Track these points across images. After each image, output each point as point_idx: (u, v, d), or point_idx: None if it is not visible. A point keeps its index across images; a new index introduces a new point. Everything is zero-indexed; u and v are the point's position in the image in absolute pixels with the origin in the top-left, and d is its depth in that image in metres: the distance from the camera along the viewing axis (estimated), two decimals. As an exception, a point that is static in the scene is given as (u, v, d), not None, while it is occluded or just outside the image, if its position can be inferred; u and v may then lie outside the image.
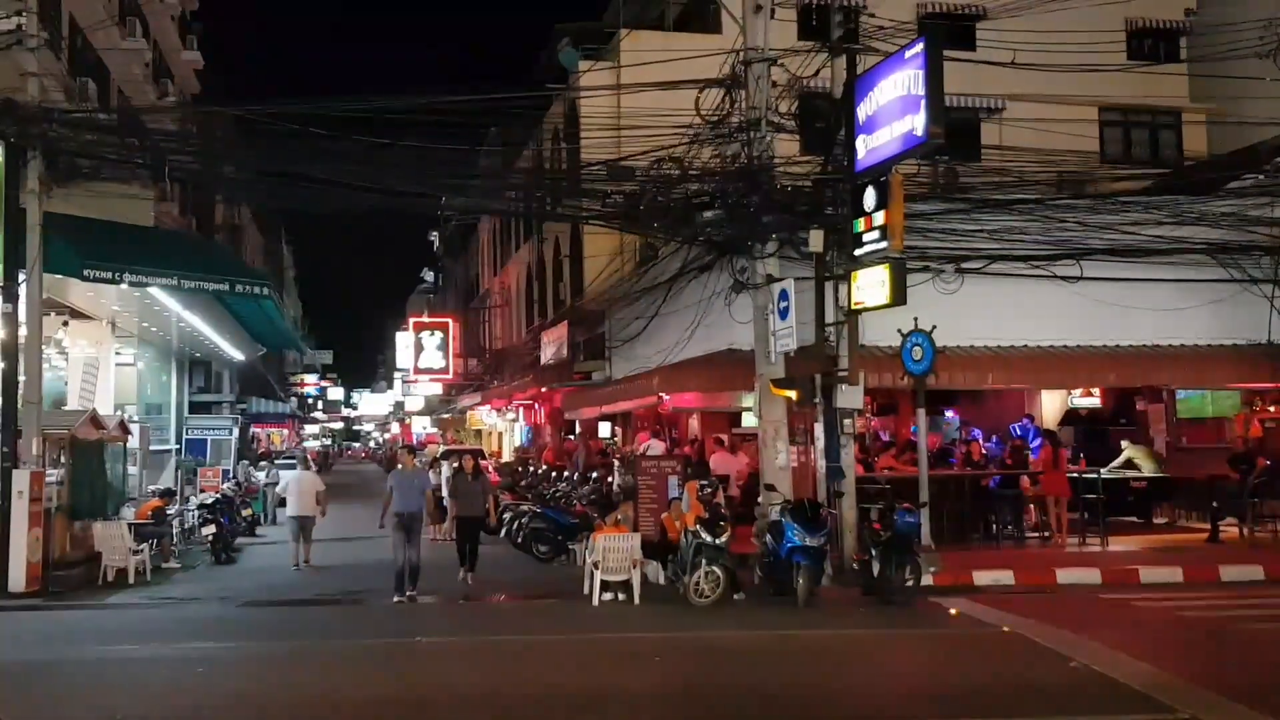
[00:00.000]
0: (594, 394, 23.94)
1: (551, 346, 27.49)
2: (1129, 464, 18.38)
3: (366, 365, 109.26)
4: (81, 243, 14.95)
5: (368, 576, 15.27)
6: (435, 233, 62.19)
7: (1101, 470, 17.24)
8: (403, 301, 79.09)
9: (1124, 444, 18.78)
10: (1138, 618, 11.58)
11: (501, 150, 30.69)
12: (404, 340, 50.42)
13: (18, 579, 13.60)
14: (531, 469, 26.21)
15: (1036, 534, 17.09)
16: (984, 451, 18.12)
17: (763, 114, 14.01)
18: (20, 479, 13.73)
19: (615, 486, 18.45)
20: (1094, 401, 21.02)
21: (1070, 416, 21.09)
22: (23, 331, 14.26)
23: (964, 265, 15.68)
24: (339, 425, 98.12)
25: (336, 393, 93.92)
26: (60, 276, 15.36)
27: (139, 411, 23.83)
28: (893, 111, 12.56)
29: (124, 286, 16.09)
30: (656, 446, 19.50)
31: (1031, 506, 17.26)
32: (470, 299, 51.43)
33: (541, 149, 29.30)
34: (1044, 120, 18.74)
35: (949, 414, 21.50)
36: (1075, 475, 16.82)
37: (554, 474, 23.26)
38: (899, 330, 14.33)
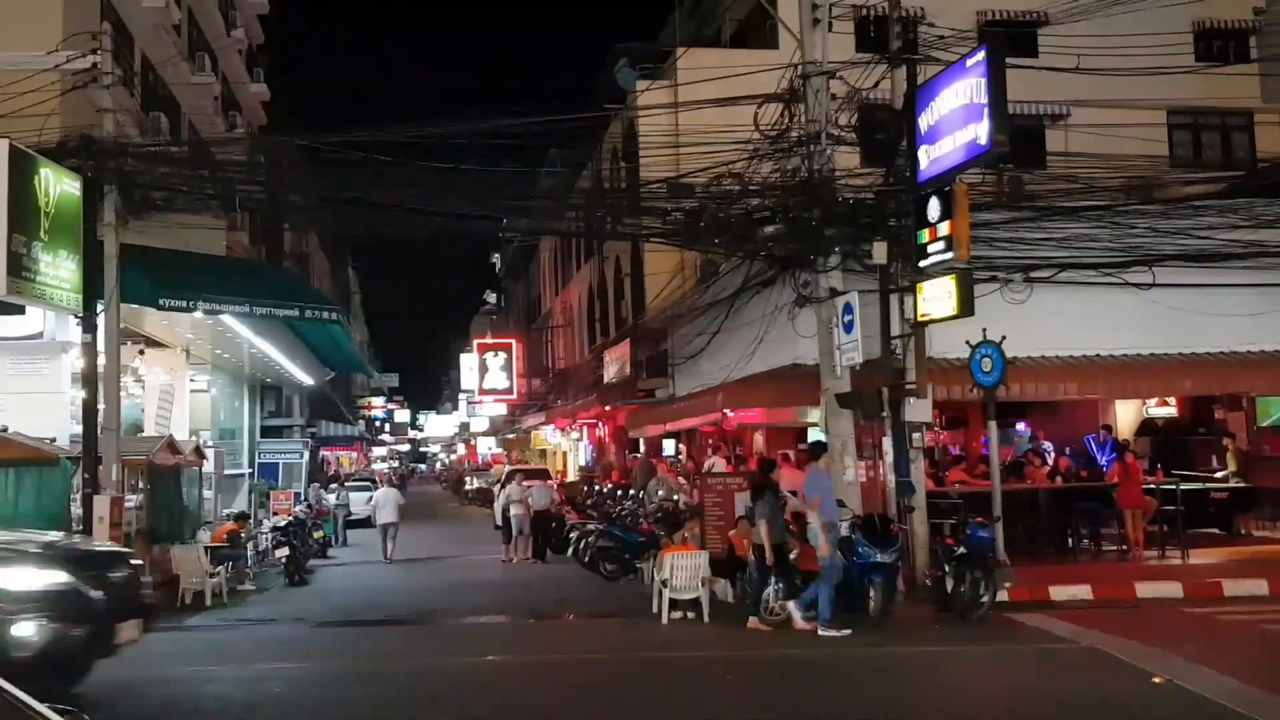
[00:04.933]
0: (657, 411, 23.92)
1: (614, 365, 27.56)
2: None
3: (431, 387, 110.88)
4: (156, 273, 15.28)
5: (437, 597, 15.40)
6: (497, 254, 62.93)
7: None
8: (466, 323, 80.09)
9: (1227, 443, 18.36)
10: (1222, 631, 11.25)
11: (561, 171, 30.91)
12: (468, 361, 51.01)
13: (100, 602, 13.89)
14: (597, 487, 26.25)
15: (1114, 548, 16.69)
16: (1069, 465, 17.84)
17: (822, 127, 13.93)
18: (101, 504, 14.02)
19: (656, 496, 18.51)
20: (1170, 411, 20.53)
21: (1146, 426, 20.62)
22: (101, 360, 14.62)
23: (1032, 274, 15.41)
24: (405, 447, 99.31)
25: (403, 415, 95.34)
26: (136, 306, 15.73)
27: (213, 436, 24.32)
28: (955, 120, 12.44)
29: (198, 315, 16.42)
30: (720, 464, 19.42)
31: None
32: (532, 319, 51.82)
33: (601, 168, 29.46)
34: (1110, 125, 18.40)
35: (1020, 426, 21.13)
36: (1152, 486, 16.41)
37: (619, 492, 23.26)
38: (967, 341, 14.12)
